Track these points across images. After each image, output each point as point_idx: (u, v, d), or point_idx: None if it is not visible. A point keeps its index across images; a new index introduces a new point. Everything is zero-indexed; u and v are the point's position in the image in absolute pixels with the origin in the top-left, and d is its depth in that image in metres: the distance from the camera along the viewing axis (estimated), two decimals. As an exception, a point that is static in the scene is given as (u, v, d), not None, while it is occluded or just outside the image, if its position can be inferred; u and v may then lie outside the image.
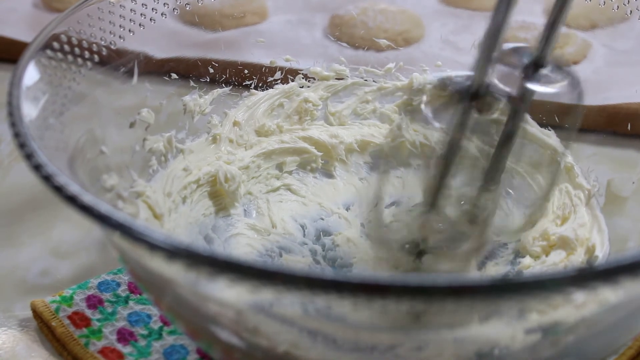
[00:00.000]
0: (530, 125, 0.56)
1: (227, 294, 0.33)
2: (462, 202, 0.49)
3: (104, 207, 0.32)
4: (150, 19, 0.53)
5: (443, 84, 0.44)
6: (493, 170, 0.48)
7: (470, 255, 0.47)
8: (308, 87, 0.61)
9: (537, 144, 0.56)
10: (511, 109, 0.45)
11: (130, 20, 0.51)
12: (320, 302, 0.32)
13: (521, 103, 0.46)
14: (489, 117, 0.43)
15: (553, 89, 0.44)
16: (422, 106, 0.43)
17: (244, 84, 0.60)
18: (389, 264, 0.49)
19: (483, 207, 0.49)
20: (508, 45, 0.45)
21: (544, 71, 0.44)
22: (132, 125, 0.51)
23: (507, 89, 0.44)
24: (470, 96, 0.42)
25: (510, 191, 0.55)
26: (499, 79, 0.44)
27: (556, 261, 0.48)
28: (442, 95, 0.44)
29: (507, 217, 0.54)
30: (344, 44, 0.66)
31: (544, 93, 0.44)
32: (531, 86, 0.44)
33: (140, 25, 0.52)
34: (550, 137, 0.55)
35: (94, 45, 0.47)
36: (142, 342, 0.46)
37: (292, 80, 0.61)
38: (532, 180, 0.55)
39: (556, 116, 0.55)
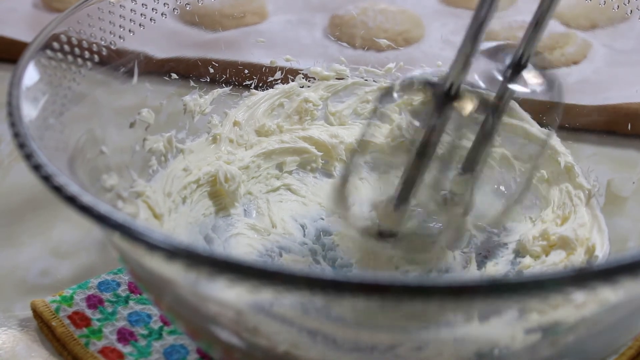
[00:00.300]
0: (520, 119, 0.56)
1: (227, 294, 0.33)
2: (436, 191, 0.49)
3: (103, 207, 0.32)
4: (151, 19, 0.53)
5: (415, 83, 0.44)
6: (469, 163, 0.48)
7: (443, 244, 0.47)
8: (308, 87, 0.61)
9: (521, 135, 0.56)
10: (489, 109, 0.46)
11: (130, 20, 0.51)
12: (320, 302, 0.32)
13: (499, 103, 0.46)
14: (466, 115, 0.43)
15: (530, 90, 0.44)
16: (395, 94, 0.44)
17: (244, 83, 0.60)
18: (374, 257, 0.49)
19: (456, 195, 0.49)
20: (490, 44, 0.46)
21: (524, 72, 0.44)
22: (132, 125, 0.51)
23: (486, 89, 0.44)
24: (448, 96, 0.42)
25: (498, 186, 0.56)
26: (479, 77, 0.44)
27: (556, 261, 0.48)
28: (419, 94, 0.45)
29: (488, 206, 0.54)
30: (344, 44, 0.66)
31: (523, 93, 0.45)
32: (511, 87, 0.44)
33: (140, 25, 0.52)
34: (532, 126, 0.55)
35: (94, 45, 0.47)
36: (142, 342, 0.46)
37: (293, 80, 0.61)
38: (516, 173, 0.55)
39: (545, 113, 0.56)
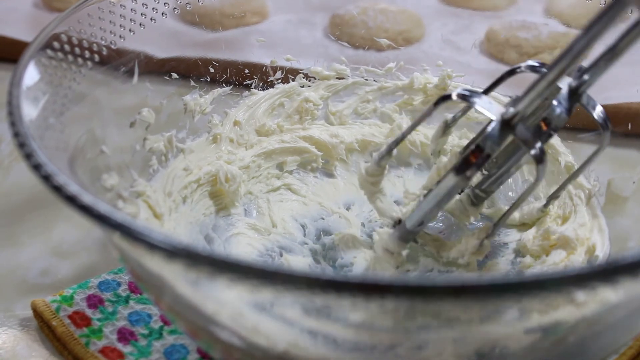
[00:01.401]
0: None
1: (227, 294, 0.33)
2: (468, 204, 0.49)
3: (103, 207, 0.32)
4: (151, 19, 0.53)
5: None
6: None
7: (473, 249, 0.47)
8: (309, 86, 0.61)
9: None
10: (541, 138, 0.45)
11: (130, 19, 0.51)
12: (320, 302, 0.32)
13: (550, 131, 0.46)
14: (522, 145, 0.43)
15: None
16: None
17: (244, 83, 0.60)
18: (389, 262, 0.49)
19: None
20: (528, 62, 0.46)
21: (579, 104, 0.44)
22: (132, 124, 0.51)
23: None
24: (508, 124, 0.42)
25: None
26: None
27: (557, 261, 0.48)
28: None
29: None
30: (345, 44, 0.66)
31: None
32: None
33: (140, 24, 0.52)
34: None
35: (95, 45, 0.47)
36: (142, 342, 0.46)
37: (293, 80, 0.61)
38: (526, 176, 0.56)
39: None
